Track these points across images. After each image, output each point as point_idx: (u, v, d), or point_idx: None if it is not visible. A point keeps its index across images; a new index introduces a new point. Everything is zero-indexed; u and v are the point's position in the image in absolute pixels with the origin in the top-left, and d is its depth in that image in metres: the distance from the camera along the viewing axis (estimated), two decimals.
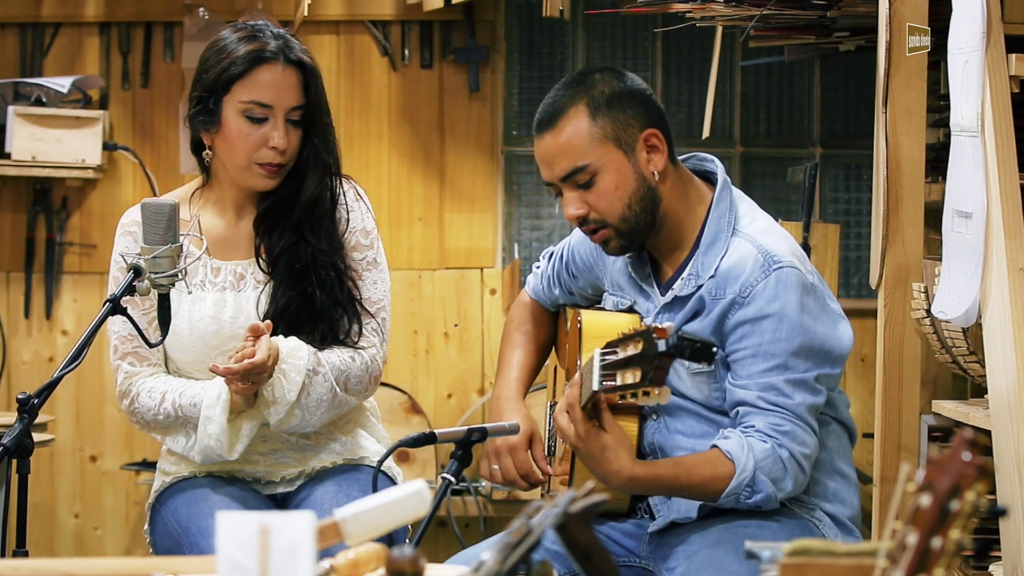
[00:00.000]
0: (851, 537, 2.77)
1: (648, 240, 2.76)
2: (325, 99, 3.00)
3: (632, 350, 2.36)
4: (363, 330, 3.00)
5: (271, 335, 2.88)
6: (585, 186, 2.69)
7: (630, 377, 2.36)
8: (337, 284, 2.98)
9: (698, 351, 2.32)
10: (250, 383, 2.84)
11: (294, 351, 2.91)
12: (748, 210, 2.77)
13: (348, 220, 3.03)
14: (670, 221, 2.73)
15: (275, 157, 2.92)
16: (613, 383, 2.41)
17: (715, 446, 2.66)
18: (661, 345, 2.31)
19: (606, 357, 2.43)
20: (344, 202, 3.03)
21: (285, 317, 2.95)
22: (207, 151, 2.99)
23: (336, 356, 2.97)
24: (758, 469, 2.63)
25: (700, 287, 2.69)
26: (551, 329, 3.11)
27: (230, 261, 3.02)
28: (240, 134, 2.92)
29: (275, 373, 2.88)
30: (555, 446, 2.94)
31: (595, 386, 2.45)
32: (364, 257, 3.04)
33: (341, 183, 3.04)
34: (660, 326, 2.34)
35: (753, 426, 2.65)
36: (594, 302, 3.00)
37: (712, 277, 2.68)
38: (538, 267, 3.11)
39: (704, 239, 2.71)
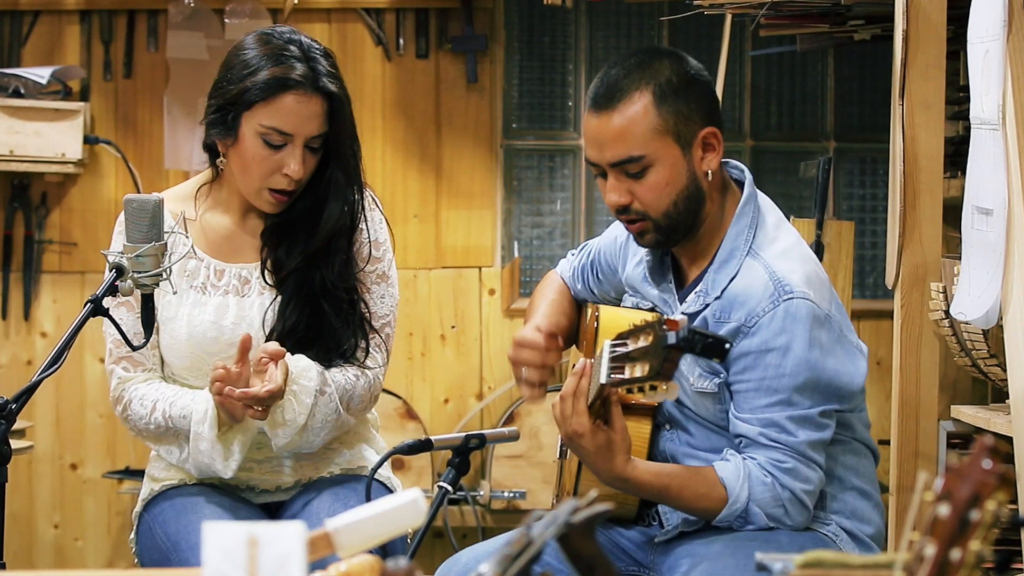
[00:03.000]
0: (869, 552, 2.76)
1: (681, 240, 2.75)
2: (352, 126, 2.97)
3: (643, 342, 2.36)
4: (369, 348, 3.00)
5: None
6: (635, 176, 2.66)
7: (639, 370, 2.36)
8: (349, 305, 2.98)
9: (710, 346, 2.31)
10: (265, 407, 2.84)
11: (304, 372, 2.90)
12: (772, 227, 2.74)
13: (364, 231, 3.02)
14: (707, 225, 2.72)
15: (288, 184, 2.91)
16: (621, 376, 2.40)
17: (713, 466, 2.67)
18: (671, 338, 2.30)
19: (616, 349, 2.43)
20: (361, 215, 3.02)
21: (293, 336, 2.95)
22: (221, 159, 2.98)
23: (342, 376, 2.97)
24: (752, 502, 2.64)
25: (706, 306, 2.68)
26: (575, 308, 3.09)
27: (235, 264, 3.01)
28: (256, 157, 2.90)
29: (286, 394, 2.88)
30: (567, 450, 2.95)
31: (602, 379, 2.45)
32: (374, 270, 3.03)
33: (362, 201, 3.03)
34: (672, 318, 2.33)
35: (755, 459, 2.66)
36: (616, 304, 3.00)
37: (718, 299, 2.67)
38: (572, 254, 3.09)
39: (719, 255, 2.70)
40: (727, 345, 2.32)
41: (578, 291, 3.05)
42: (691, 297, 2.71)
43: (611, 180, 2.68)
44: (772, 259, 2.68)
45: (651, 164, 2.65)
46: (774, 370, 2.63)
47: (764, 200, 2.78)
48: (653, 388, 2.36)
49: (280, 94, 2.88)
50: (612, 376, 2.43)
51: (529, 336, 2.80)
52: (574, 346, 3.10)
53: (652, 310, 2.82)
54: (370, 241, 3.03)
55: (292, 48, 2.91)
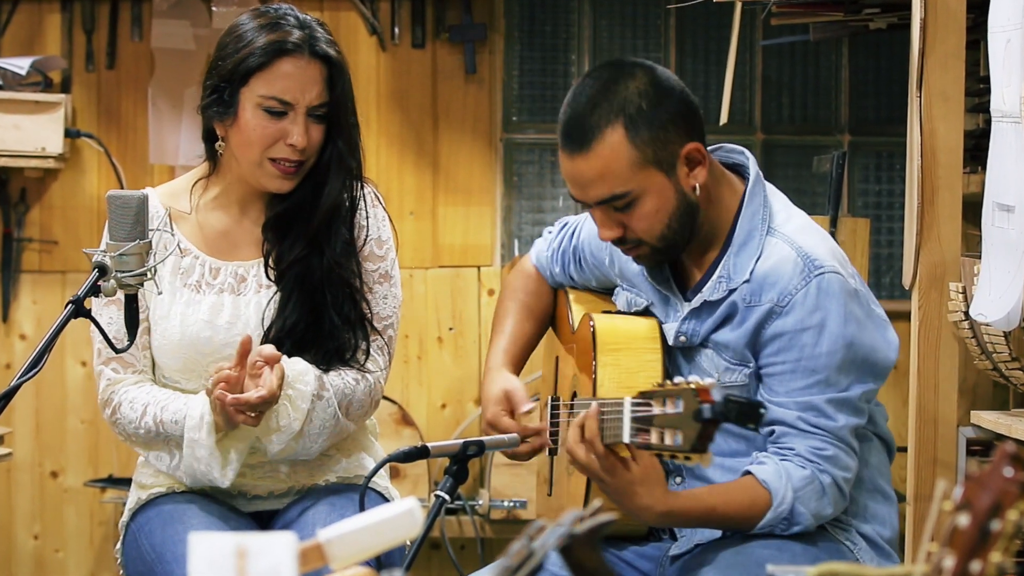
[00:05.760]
0: (888, 561, 2.77)
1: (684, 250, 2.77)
2: (352, 97, 2.99)
3: (670, 408, 2.34)
4: (370, 350, 3.01)
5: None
6: (622, 209, 2.66)
7: (668, 438, 2.34)
8: (350, 302, 2.98)
9: (744, 413, 2.30)
10: (258, 413, 2.84)
11: (301, 376, 2.90)
12: (782, 206, 2.76)
13: (366, 228, 3.03)
14: (705, 226, 2.73)
15: (292, 154, 2.92)
16: (647, 439, 2.38)
17: (749, 472, 2.66)
18: (707, 412, 2.28)
19: (638, 409, 2.41)
20: (363, 207, 3.03)
21: (293, 335, 2.95)
22: (220, 142, 2.98)
23: (341, 380, 2.97)
24: (797, 500, 2.63)
25: (732, 291, 2.68)
26: (550, 303, 3.10)
27: (231, 261, 3.01)
28: (257, 127, 2.91)
29: (280, 399, 2.87)
30: (558, 446, 2.94)
31: (625, 438, 2.43)
32: (377, 269, 3.04)
33: (362, 187, 3.04)
34: (703, 384, 2.31)
35: (792, 449, 2.65)
36: (599, 292, 3.00)
37: (747, 282, 2.67)
38: (550, 232, 3.09)
39: (736, 238, 2.70)
40: (762, 410, 2.31)
41: (555, 275, 3.06)
42: (707, 287, 2.71)
43: (599, 217, 2.69)
44: (794, 235, 2.70)
45: (637, 197, 2.65)
46: (811, 349, 2.64)
47: (767, 183, 2.80)
48: (687, 458, 2.35)
49: (277, 60, 2.90)
50: (637, 438, 2.42)
51: (492, 418, 2.88)
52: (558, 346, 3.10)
53: (647, 310, 2.82)
54: (373, 239, 3.03)
55: (288, 18, 2.94)
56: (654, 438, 2.37)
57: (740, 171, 2.79)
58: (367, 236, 3.03)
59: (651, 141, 2.63)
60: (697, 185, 2.67)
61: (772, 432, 2.68)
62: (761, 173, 2.78)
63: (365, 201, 3.03)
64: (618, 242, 2.71)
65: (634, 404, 2.43)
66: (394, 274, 3.07)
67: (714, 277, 2.71)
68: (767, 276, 2.67)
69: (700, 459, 2.34)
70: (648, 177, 2.64)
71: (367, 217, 3.03)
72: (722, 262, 2.71)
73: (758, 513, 2.64)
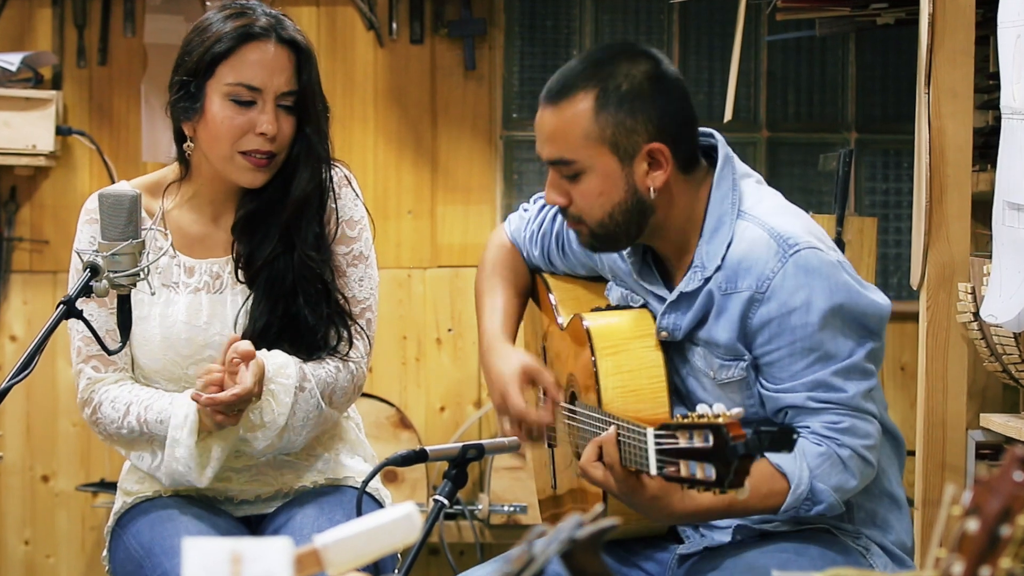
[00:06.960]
0: (903, 567, 2.76)
1: (649, 242, 2.75)
2: (319, 85, 3.00)
3: (698, 442, 2.32)
4: (351, 338, 3.01)
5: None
6: (569, 178, 2.68)
7: (700, 472, 2.32)
8: (324, 298, 2.98)
9: (777, 440, 2.28)
10: (236, 412, 2.84)
11: (282, 368, 2.91)
12: (753, 189, 2.73)
13: (336, 211, 3.03)
14: (671, 226, 2.70)
15: (263, 144, 2.92)
16: (676, 472, 2.37)
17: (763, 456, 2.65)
18: (741, 448, 2.26)
19: (663, 441, 2.40)
20: (330, 189, 3.03)
21: (266, 338, 2.95)
22: (188, 143, 2.98)
23: (322, 369, 2.98)
24: (814, 479, 2.63)
25: (707, 280, 2.67)
26: (529, 279, 3.08)
27: (205, 260, 3.02)
28: (225, 119, 2.91)
29: (263, 394, 2.88)
30: (555, 437, 2.94)
31: (652, 471, 2.42)
32: (350, 251, 3.04)
33: (331, 172, 3.04)
34: (731, 417, 2.28)
35: (808, 427, 2.64)
36: (585, 279, 2.99)
37: (720, 268, 2.66)
38: (526, 211, 3.07)
39: (707, 225, 2.68)
40: (794, 435, 2.29)
41: (534, 258, 3.04)
42: (684, 279, 2.70)
43: (550, 178, 2.71)
44: (765, 215, 2.67)
45: (583, 171, 2.66)
46: (802, 330, 2.62)
47: (739, 165, 2.76)
48: (723, 492, 2.34)
49: (243, 45, 2.91)
50: (666, 470, 2.40)
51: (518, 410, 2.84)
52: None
53: (644, 306, 2.81)
54: (343, 220, 3.03)
55: (255, 8, 2.98)
56: (683, 471, 2.35)
57: (712, 154, 2.76)
58: (337, 219, 3.03)
59: (615, 123, 2.63)
60: (652, 188, 2.66)
61: (786, 414, 2.67)
62: (731, 154, 2.75)
63: (332, 183, 3.03)
64: (562, 212, 2.73)
65: (658, 436, 2.40)
66: (368, 254, 3.06)
67: (691, 268, 2.70)
68: (741, 261, 2.64)
69: (737, 492, 2.33)
70: (598, 155, 2.65)
71: (335, 199, 3.03)
72: (696, 252, 2.69)
73: (778, 500, 2.64)
